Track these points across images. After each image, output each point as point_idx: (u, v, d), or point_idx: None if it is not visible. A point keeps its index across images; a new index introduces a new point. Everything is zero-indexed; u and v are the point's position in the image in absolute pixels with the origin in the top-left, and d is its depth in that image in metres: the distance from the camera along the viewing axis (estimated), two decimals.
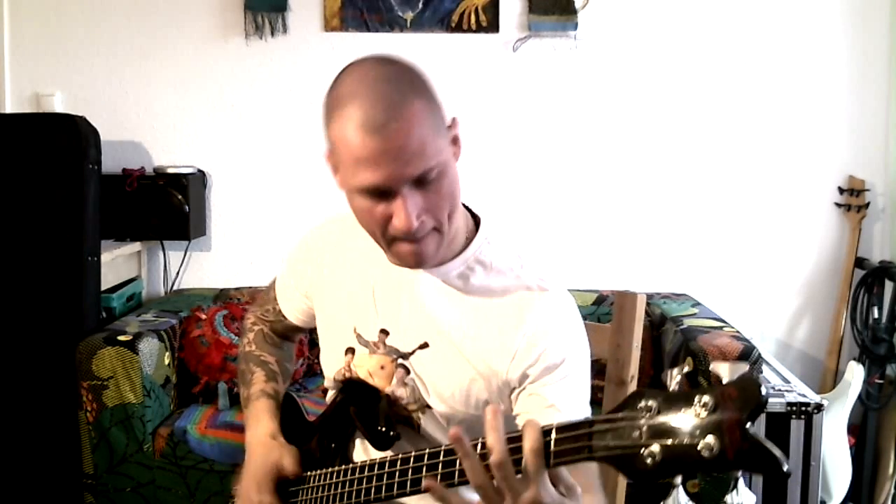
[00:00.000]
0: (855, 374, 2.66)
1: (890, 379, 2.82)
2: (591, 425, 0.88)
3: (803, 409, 2.32)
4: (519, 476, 0.92)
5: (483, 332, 1.19)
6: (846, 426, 2.64)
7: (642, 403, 0.84)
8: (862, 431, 2.83)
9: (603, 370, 1.49)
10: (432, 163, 1.08)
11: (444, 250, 1.17)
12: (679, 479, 0.77)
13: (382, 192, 1.09)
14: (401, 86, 1.09)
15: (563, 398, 1.16)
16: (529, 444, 0.90)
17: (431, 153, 1.08)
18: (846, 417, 2.64)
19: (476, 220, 1.27)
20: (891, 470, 2.80)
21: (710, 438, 0.78)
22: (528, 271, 1.22)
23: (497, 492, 0.94)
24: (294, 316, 1.44)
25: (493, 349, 1.18)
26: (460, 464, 0.98)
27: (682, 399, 0.82)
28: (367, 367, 1.26)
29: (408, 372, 1.23)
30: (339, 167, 1.12)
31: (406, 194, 1.08)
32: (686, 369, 0.85)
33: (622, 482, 1.49)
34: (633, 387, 1.47)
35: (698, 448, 0.78)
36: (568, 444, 0.90)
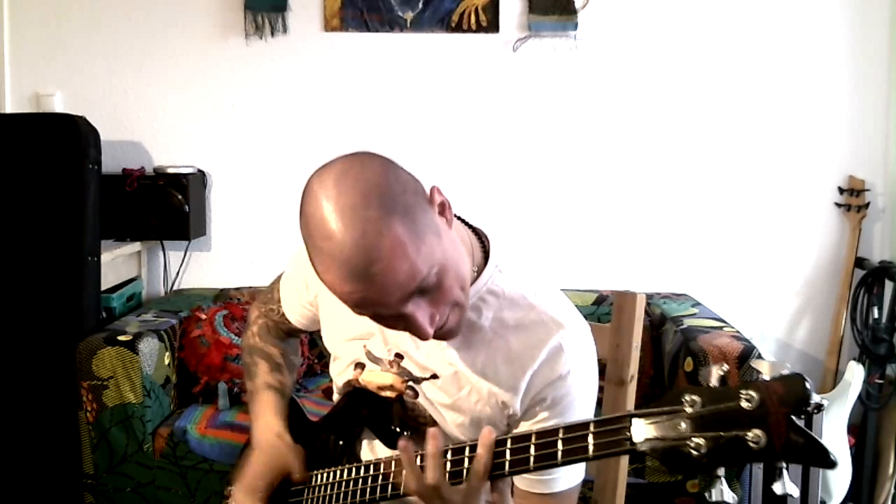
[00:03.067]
0: (855, 374, 2.66)
1: (890, 379, 2.82)
2: (630, 419, 0.90)
3: (803, 409, 2.31)
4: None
5: (494, 366, 1.17)
6: (846, 426, 2.64)
7: (686, 397, 0.86)
8: (862, 431, 2.82)
9: (602, 370, 1.49)
10: (425, 275, 1.00)
11: (467, 306, 1.12)
12: (722, 471, 0.79)
13: (388, 320, 1.05)
14: (371, 212, 0.98)
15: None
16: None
17: (422, 267, 1.00)
18: (846, 417, 2.64)
19: (485, 244, 1.22)
20: (891, 470, 2.80)
21: (758, 430, 0.80)
22: (542, 301, 1.19)
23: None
24: (296, 320, 1.43)
25: (503, 383, 1.17)
26: (467, 462, 1.02)
27: (727, 394, 0.84)
28: (377, 383, 1.25)
29: (416, 394, 1.22)
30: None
31: (412, 310, 1.02)
32: (725, 367, 0.87)
33: (622, 483, 1.49)
34: (632, 387, 1.47)
35: (746, 439, 0.81)
36: (606, 438, 0.92)
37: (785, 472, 0.84)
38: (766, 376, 0.84)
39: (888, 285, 2.87)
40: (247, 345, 1.47)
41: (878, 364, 2.79)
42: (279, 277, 1.46)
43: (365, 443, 1.28)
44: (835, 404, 2.61)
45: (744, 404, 0.82)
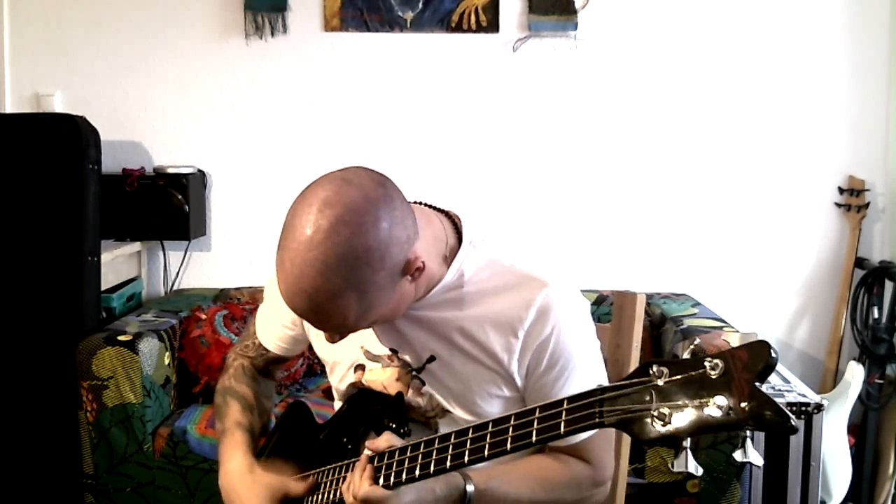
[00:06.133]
0: (855, 374, 2.66)
1: (890, 379, 2.82)
2: (603, 392, 0.90)
3: (803, 409, 2.32)
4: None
5: (484, 332, 1.19)
6: (846, 426, 2.64)
7: (654, 369, 0.86)
8: (862, 431, 2.82)
9: None
10: (356, 329, 1.15)
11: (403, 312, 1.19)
12: (688, 443, 0.78)
13: None
14: (336, 278, 1.04)
15: (567, 393, 1.16)
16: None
17: (356, 326, 1.13)
18: (846, 417, 2.63)
19: (457, 225, 1.24)
20: (891, 470, 2.80)
21: (721, 398, 0.80)
22: (520, 263, 1.21)
23: None
24: (273, 345, 1.42)
25: (495, 346, 1.18)
26: (466, 444, 1.01)
27: (692, 363, 0.83)
28: (382, 380, 1.25)
29: (423, 383, 1.23)
30: None
31: (333, 336, 1.16)
32: (697, 340, 0.87)
33: (622, 483, 1.49)
34: None
35: (709, 407, 0.80)
36: (579, 413, 0.92)
37: (749, 440, 0.83)
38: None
39: (888, 285, 2.87)
40: (220, 388, 1.45)
41: (878, 364, 2.79)
42: (255, 316, 1.46)
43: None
44: (835, 404, 2.61)
45: (709, 372, 0.81)
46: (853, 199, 2.97)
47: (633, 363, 1.47)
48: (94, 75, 3.04)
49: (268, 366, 1.47)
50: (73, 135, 2.50)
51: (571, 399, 0.93)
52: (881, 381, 2.79)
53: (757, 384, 0.79)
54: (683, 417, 0.82)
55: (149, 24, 3.02)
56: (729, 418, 0.79)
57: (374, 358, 1.26)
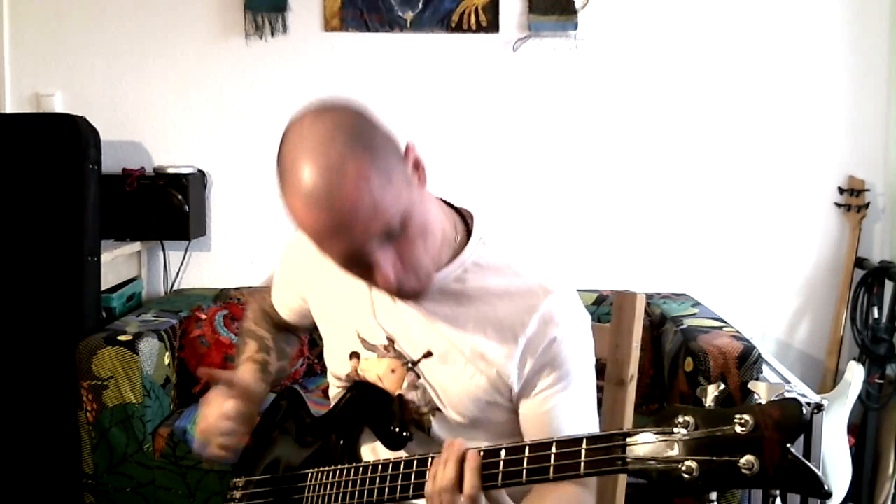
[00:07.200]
0: (855, 374, 2.66)
1: (890, 379, 2.82)
2: (626, 437, 0.89)
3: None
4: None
5: (485, 334, 1.17)
6: (846, 426, 2.63)
7: (680, 419, 0.85)
8: (862, 431, 2.82)
9: (602, 370, 1.48)
10: (391, 214, 1.01)
11: (433, 272, 1.14)
12: (714, 495, 0.78)
13: (352, 260, 1.05)
14: (337, 144, 1.00)
15: (561, 405, 1.17)
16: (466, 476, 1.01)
17: (388, 205, 1.01)
18: (846, 417, 2.63)
19: (468, 221, 1.24)
20: (891, 470, 2.80)
21: (751, 456, 0.79)
22: (528, 269, 1.20)
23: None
24: (285, 313, 1.44)
25: (495, 351, 1.17)
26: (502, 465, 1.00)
27: (721, 417, 0.83)
28: (377, 371, 1.24)
29: (418, 377, 1.22)
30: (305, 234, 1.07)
31: (377, 254, 1.03)
32: (722, 387, 0.87)
33: (622, 483, 1.49)
34: (632, 387, 1.47)
35: (738, 465, 0.80)
36: (600, 455, 0.91)
37: (778, 500, 0.83)
38: (763, 399, 0.84)
39: (888, 285, 2.87)
40: (241, 329, 1.48)
41: (878, 364, 2.79)
42: (273, 273, 1.47)
43: (367, 442, 1.28)
44: (835, 404, 2.61)
45: (738, 429, 0.81)
46: (853, 199, 2.97)
47: (633, 363, 1.47)
48: (94, 75, 3.04)
49: (284, 324, 1.48)
50: (73, 135, 2.50)
51: (591, 440, 0.93)
52: (881, 381, 2.79)
53: (788, 445, 0.79)
54: (711, 473, 0.81)
55: (149, 25, 3.03)
56: (757, 479, 0.79)
57: (370, 347, 1.25)
